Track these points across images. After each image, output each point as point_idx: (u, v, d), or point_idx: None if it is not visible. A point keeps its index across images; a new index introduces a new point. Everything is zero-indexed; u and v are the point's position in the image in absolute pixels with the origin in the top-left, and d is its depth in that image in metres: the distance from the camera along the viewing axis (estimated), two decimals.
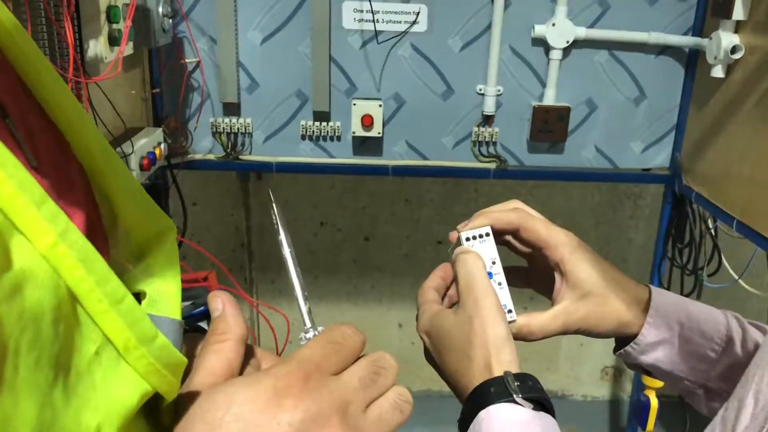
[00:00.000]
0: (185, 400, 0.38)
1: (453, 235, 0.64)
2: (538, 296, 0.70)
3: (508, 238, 0.66)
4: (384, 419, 0.40)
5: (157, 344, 0.36)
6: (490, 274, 0.61)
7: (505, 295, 0.61)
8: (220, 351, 0.41)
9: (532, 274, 0.70)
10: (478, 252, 0.61)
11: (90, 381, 0.32)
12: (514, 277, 0.67)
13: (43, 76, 0.38)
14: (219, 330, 0.42)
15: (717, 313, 0.66)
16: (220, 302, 0.44)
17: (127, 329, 0.34)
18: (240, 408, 0.36)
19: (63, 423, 0.30)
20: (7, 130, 0.34)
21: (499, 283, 0.62)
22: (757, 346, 0.63)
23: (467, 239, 0.62)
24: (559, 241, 0.63)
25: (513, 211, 0.64)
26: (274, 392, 0.36)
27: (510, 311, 0.61)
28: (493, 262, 0.62)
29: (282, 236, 0.49)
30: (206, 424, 0.35)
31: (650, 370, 0.68)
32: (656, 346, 0.64)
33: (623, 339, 0.67)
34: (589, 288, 0.62)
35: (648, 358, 0.65)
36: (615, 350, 0.68)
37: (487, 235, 0.62)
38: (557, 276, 0.64)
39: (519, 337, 0.62)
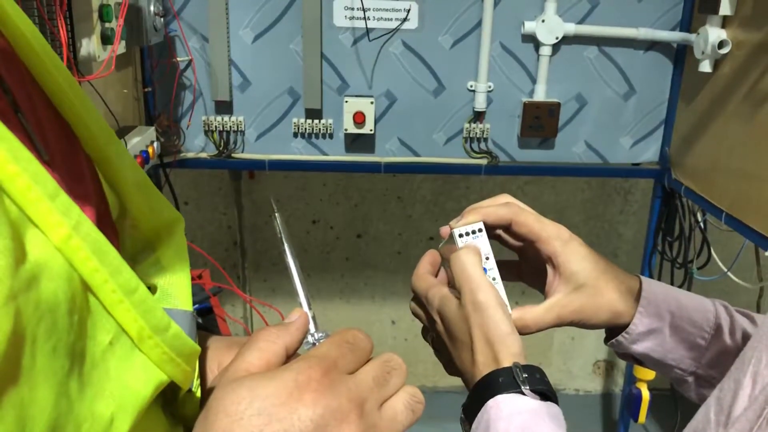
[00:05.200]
0: (210, 390, 0.39)
1: (444, 230, 0.64)
2: (530, 290, 0.71)
3: (499, 232, 0.67)
4: (398, 419, 0.41)
5: (171, 333, 0.37)
6: (484, 270, 0.62)
7: (499, 288, 0.62)
8: (264, 350, 0.41)
9: (523, 267, 0.70)
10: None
11: (104, 370, 0.33)
12: (506, 271, 0.67)
13: (51, 70, 0.38)
14: (275, 333, 0.42)
15: (705, 301, 0.67)
16: (297, 315, 0.44)
17: (140, 319, 0.35)
18: (262, 402, 0.36)
19: (77, 412, 0.30)
20: (20, 124, 0.35)
21: (493, 278, 0.62)
22: (744, 333, 0.65)
23: (460, 235, 0.62)
24: (552, 234, 0.63)
25: (504, 206, 0.64)
26: (295, 386, 0.37)
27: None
28: (487, 258, 0.62)
29: (286, 246, 0.49)
30: (228, 416, 0.36)
31: (641, 360, 0.68)
32: (647, 335, 0.65)
33: (614, 329, 0.67)
34: (582, 280, 0.63)
35: (639, 348, 0.66)
36: (606, 340, 0.69)
37: (480, 230, 0.62)
38: (550, 269, 0.64)
39: None
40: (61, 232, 0.31)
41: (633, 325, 0.64)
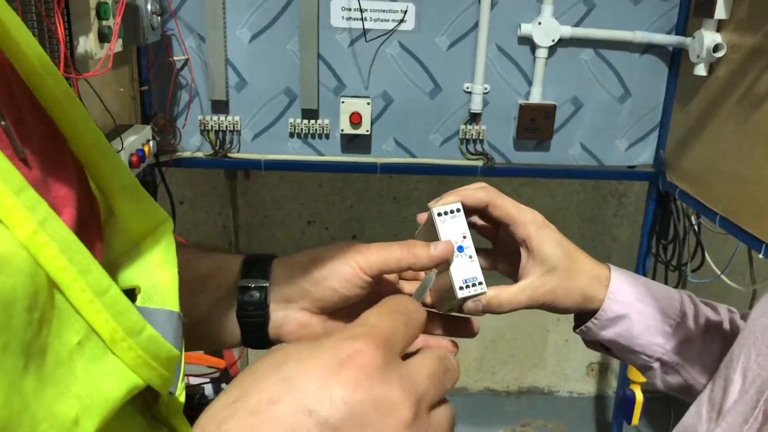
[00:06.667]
0: None
1: (421, 217, 0.65)
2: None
3: (474, 219, 0.68)
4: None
5: (145, 336, 0.35)
6: (461, 248, 0.62)
7: (475, 267, 0.62)
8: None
9: (497, 254, 0.71)
10: (450, 226, 0.62)
11: (70, 370, 0.32)
12: (481, 258, 0.68)
13: (38, 70, 0.37)
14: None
15: (671, 290, 0.69)
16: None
17: (112, 320, 0.33)
18: (291, 369, 0.32)
19: (34, 411, 0.29)
20: None
21: (470, 256, 0.62)
22: (707, 321, 0.67)
23: (439, 214, 0.63)
24: (527, 219, 0.65)
25: (482, 189, 0.66)
26: (335, 359, 0.32)
27: (481, 283, 0.62)
28: (464, 237, 0.63)
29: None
30: (254, 374, 0.33)
31: (609, 347, 0.70)
32: (616, 321, 0.67)
33: (582, 317, 0.69)
34: (555, 263, 0.64)
35: (608, 334, 0.67)
36: (575, 328, 0.70)
37: (458, 210, 0.63)
38: (523, 252, 0.66)
39: (488, 309, 0.63)
40: (27, 228, 0.30)
41: (602, 311, 0.66)
